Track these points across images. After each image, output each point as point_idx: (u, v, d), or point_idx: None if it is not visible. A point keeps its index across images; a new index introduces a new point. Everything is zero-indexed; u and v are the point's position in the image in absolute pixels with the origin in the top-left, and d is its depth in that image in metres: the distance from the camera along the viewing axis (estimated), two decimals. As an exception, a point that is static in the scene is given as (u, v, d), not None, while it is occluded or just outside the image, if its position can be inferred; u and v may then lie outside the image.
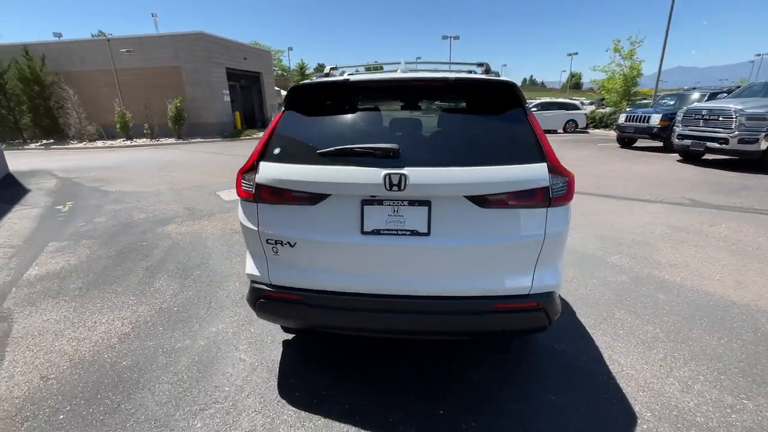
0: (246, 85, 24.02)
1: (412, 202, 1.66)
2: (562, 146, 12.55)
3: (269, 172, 1.72)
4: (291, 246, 1.74)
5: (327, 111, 1.87)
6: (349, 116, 1.84)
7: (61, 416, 1.88)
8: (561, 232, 1.72)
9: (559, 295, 1.88)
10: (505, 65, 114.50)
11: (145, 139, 18.04)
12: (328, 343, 2.38)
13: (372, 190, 1.62)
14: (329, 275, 1.74)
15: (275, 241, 1.75)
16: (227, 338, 2.48)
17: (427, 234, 1.66)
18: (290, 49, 42.42)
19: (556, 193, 1.68)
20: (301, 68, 67.11)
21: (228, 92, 20.00)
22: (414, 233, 1.66)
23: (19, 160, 11.59)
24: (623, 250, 3.82)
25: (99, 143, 17.41)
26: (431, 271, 1.72)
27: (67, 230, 4.78)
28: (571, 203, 1.77)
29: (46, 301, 3.01)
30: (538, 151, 1.68)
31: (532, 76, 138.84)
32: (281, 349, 2.36)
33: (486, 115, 1.83)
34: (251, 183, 1.75)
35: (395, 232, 1.67)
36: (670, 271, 3.34)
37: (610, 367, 2.15)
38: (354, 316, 1.76)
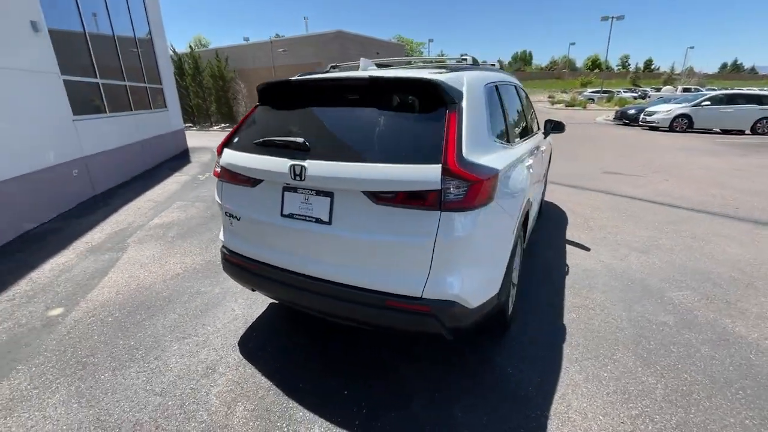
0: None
1: (318, 192, 1.80)
2: (731, 150, 9.79)
3: (227, 156, 2.09)
4: (237, 219, 2.09)
5: (278, 107, 2.12)
6: (288, 112, 2.06)
7: (110, 319, 2.69)
8: (459, 239, 1.61)
9: (501, 305, 1.80)
10: (691, 48, 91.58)
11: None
12: (304, 316, 2.69)
13: (285, 178, 1.83)
14: (260, 248, 2.04)
15: (230, 214, 2.13)
16: (235, 292, 3.03)
17: (329, 223, 1.79)
18: (431, 41, 43.12)
19: (451, 197, 1.58)
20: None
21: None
22: (318, 221, 1.81)
23: (200, 139, 15.20)
24: (700, 287, 3.00)
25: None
26: (333, 259, 1.83)
27: (193, 194, 6.27)
28: (480, 210, 1.63)
29: (150, 242, 4.14)
30: (439, 153, 1.60)
31: (736, 60, 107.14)
32: (265, 309, 2.78)
33: (404, 113, 1.80)
34: (217, 165, 2.16)
35: (305, 218, 1.84)
36: (749, 323, 2.52)
37: (553, 405, 1.87)
38: (276, 287, 2.01)
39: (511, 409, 1.85)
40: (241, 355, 2.28)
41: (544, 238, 4.04)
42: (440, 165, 1.58)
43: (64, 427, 1.82)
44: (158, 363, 2.23)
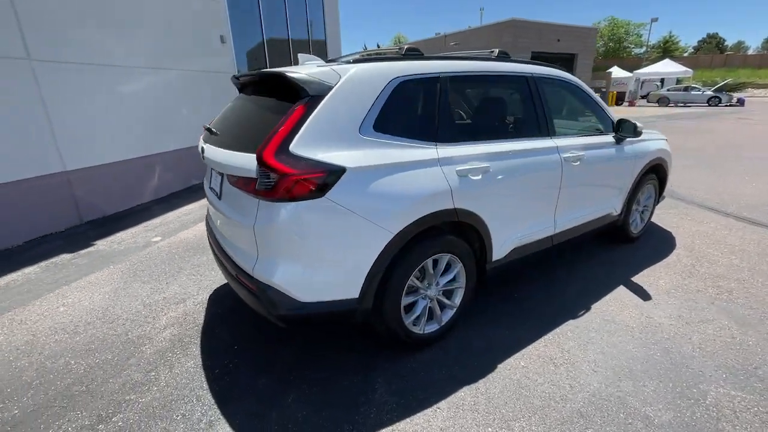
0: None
1: (216, 171, 2.13)
2: None
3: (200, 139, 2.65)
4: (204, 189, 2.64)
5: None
6: (234, 101, 2.43)
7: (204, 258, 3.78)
8: (273, 228, 1.70)
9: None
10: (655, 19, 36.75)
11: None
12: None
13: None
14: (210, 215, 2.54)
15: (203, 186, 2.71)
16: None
17: (220, 198, 2.11)
18: (654, 20, 34.48)
19: (263, 186, 1.67)
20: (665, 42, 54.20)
21: (527, 76, 20.09)
22: (216, 194, 2.16)
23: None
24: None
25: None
26: (222, 229, 2.16)
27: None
28: (300, 204, 1.68)
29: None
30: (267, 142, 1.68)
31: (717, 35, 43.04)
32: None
33: (271, 105, 1.93)
34: (201, 146, 2.76)
35: (213, 190, 2.22)
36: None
37: None
38: (211, 247, 2.47)
39: None
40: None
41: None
42: (254, 154, 1.68)
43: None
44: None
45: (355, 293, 1.87)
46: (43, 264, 3.59)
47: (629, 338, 2.36)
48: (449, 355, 2.25)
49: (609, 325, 2.49)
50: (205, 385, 2.03)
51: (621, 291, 2.93)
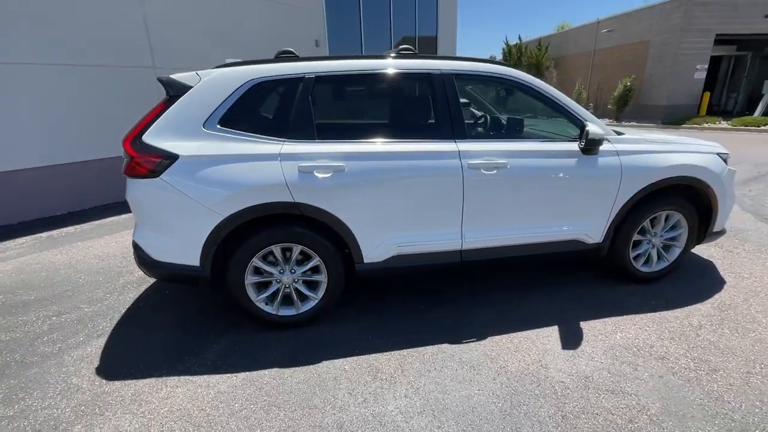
0: (756, 55, 16.91)
1: None
2: None
3: None
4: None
5: None
6: None
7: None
8: (129, 198, 2.21)
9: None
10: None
11: (586, 118, 18.72)
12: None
13: None
14: None
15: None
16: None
17: None
18: None
19: (124, 166, 2.15)
20: None
21: (705, 67, 15.49)
22: None
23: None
24: None
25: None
26: None
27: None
28: (141, 181, 2.13)
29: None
30: None
31: None
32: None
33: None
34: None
35: None
36: None
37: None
38: None
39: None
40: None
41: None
42: None
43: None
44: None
45: (195, 262, 2.22)
46: None
47: (487, 385, 2.01)
48: (287, 335, 2.40)
49: (484, 363, 2.14)
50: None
51: (547, 332, 2.41)
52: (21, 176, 4.70)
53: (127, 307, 2.80)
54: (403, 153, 2.29)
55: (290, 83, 2.25)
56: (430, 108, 2.40)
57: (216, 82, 2.19)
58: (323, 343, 2.34)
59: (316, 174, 2.18)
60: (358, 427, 1.76)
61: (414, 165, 2.30)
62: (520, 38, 25.14)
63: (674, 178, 2.63)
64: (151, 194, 2.14)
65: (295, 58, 2.35)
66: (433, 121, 2.39)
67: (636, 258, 2.87)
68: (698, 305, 2.65)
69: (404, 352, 2.26)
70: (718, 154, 2.81)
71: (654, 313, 2.57)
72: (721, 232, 2.97)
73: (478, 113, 3.47)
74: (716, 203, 2.78)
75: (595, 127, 2.39)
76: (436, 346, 2.30)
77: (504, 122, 3.23)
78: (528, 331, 2.41)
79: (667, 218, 2.81)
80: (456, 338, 2.36)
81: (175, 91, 2.18)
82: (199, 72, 2.23)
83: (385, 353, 2.25)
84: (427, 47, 12.02)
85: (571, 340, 2.32)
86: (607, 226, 2.66)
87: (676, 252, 2.91)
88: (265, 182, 2.13)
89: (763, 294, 2.77)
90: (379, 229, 2.35)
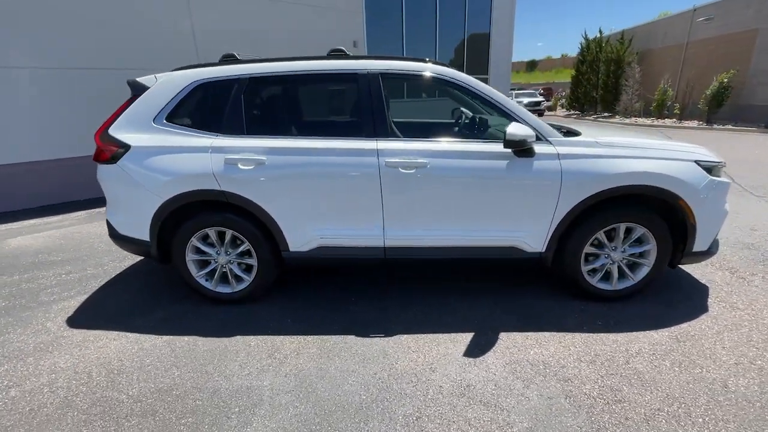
0: None
1: None
2: None
3: None
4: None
5: None
6: None
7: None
8: (98, 180, 2.60)
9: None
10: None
11: (671, 120, 16.47)
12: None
13: None
14: None
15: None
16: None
17: None
18: None
19: (95, 153, 2.58)
20: None
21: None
22: None
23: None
24: None
25: (629, 120, 18.18)
26: None
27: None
28: (104, 167, 2.56)
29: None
30: None
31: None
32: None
33: None
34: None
35: None
36: None
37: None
38: None
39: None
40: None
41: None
42: None
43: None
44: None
45: (146, 237, 2.59)
46: None
47: (365, 378, 2.05)
48: (224, 310, 2.67)
49: (376, 358, 2.18)
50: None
51: (461, 338, 2.34)
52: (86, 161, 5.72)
53: (118, 272, 3.33)
54: (322, 149, 2.41)
55: (226, 84, 2.50)
56: (354, 106, 2.48)
57: (166, 84, 2.53)
58: (247, 320, 2.57)
59: (240, 166, 2.40)
60: (229, 394, 1.94)
61: (332, 161, 2.40)
62: (600, 31, 22.97)
63: (630, 186, 2.35)
64: (112, 177, 2.56)
65: (236, 60, 2.60)
66: (357, 119, 2.47)
67: (593, 273, 2.61)
68: (652, 332, 2.34)
69: (310, 338, 2.39)
70: (697, 161, 2.43)
71: (591, 334, 2.34)
72: (707, 253, 2.56)
73: (469, 114, 3.40)
74: (692, 218, 2.41)
75: (515, 127, 2.24)
76: (342, 336, 2.39)
77: (476, 122, 3.15)
78: (440, 335, 2.37)
79: (629, 232, 2.51)
80: (365, 332, 2.42)
81: (135, 91, 2.57)
82: (157, 75, 2.59)
83: (293, 336, 2.40)
84: (479, 46, 11.69)
85: (478, 349, 2.24)
86: (549, 235, 2.47)
87: (644, 271, 2.58)
88: (195, 171, 2.42)
89: (746, 329, 2.34)
90: (302, 220, 2.50)
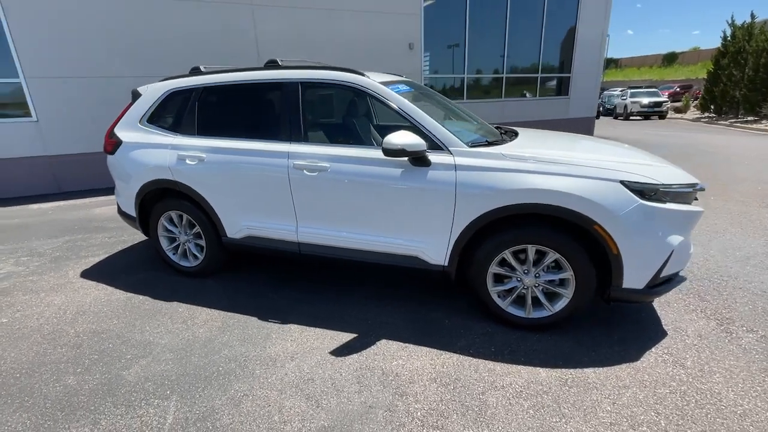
0: None
1: None
2: None
3: None
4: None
5: None
6: None
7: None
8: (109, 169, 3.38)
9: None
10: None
11: None
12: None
13: None
14: None
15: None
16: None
17: None
18: None
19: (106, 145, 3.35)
20: None
21: None
22: None
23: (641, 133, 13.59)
24: None
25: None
26: None
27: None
28: (109, 156, 3.27)
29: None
30: None
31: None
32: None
33: None
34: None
35: None
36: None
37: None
38: None
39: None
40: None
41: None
42: None
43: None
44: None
45: (134, 214, 3.27)
46: None
47: (232, 350, 2.31)
48: (186, 281, 3.17)
49: (230, 331, 2.43)
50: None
51: (334, 335, 2.43)
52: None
53: (138, 241, 4.19)
54: (248, 150, 2.73)
55: (188, 92, 3.00)
56: (277, 112, 2.73)
57: (150, 91, 3.15)
58: (194, 291, 3.05)
59: (187, 161, 2.88)
60: (133, 344, 2.42)
61: (254, 161, 2.71)
62: (752, 16, 18.47)
63: (534, 205, 2.12)
64: (113, 165, 3.30)
65: (200, 72, 3.07)
66: (277, 123, 2.71)
67: (504, 296, 2.41)
68: (541, 370, 2.09)
69: (223, 313, 2.73)
70: (623, 182, 2.04)
71: (470, 359, 2.20)
72: (646, 293, 2.14)
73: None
74: (615, 247, 2.06)
75: (396, 136, 2.21)
76: (246, 317, 2.68)
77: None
78: (329, 331, 2.49)
79: (542, 255, 2.25)
80: (266, 317, 2.67)
81: (134, 98, 3.25)
82: (149, 85, 3.23)
83: (213, 310, 2.77)
84: (562, 42, 10.67)
85: (347, 349, 2.31)
86: (449, 248, 2.38)
87: (563, 302, 2.28)
88: (158, 164, 2.98)
89: (665, 391, 1.92)
90: (233, 210, 2.87)
